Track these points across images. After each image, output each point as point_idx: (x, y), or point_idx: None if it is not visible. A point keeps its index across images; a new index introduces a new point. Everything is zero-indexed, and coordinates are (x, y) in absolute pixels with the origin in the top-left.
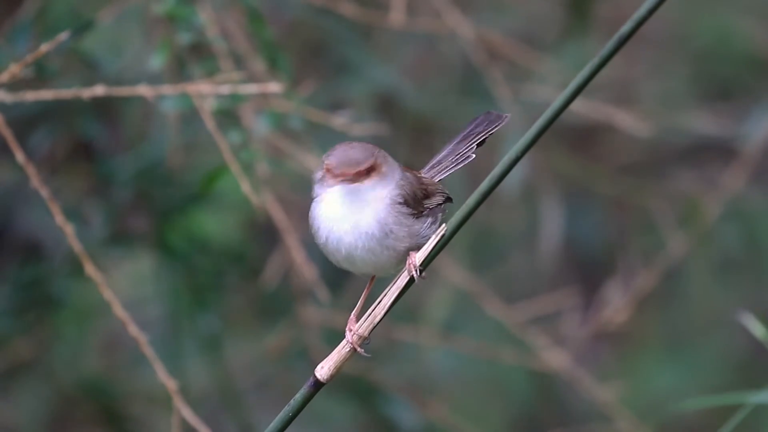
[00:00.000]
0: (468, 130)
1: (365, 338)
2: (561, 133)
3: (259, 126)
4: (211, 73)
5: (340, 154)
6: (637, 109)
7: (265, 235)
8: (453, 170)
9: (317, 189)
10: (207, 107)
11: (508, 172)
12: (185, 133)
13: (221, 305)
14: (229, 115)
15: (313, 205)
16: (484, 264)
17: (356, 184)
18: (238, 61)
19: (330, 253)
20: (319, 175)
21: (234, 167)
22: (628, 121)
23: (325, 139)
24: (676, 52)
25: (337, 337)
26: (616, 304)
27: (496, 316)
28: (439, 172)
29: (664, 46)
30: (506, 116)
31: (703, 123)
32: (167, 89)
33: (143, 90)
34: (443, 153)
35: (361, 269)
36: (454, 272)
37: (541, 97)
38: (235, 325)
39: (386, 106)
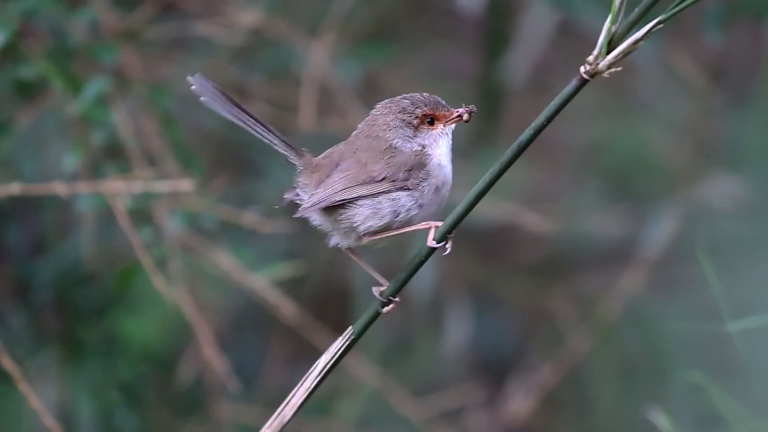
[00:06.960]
0: None
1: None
2: (468, 236)
3: (171, 224)
4: (124, 172)
5: (428, 100)
6: (544, 209)
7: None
8: None
9: (420, 139)
10: (121, 206)
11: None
12: (103, 235)
13: (140, 406)
14: (142, 214)
15: (427, 152)
16: (396, 362)
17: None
18: (153, 162)
19: (436, 191)
20: (401, 125)
21: (146, 263)
22: (532, 219)
23: (238, 237)
24: (592, 165)
25: None
26: (519, 398)
27: (404, 412)
28: None
29: (582, 158)
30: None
31: (608, 227)
32: (81, 187)
33: (58, 187)
34: None
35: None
36: (364, 370)
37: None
38: (154, 424)
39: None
